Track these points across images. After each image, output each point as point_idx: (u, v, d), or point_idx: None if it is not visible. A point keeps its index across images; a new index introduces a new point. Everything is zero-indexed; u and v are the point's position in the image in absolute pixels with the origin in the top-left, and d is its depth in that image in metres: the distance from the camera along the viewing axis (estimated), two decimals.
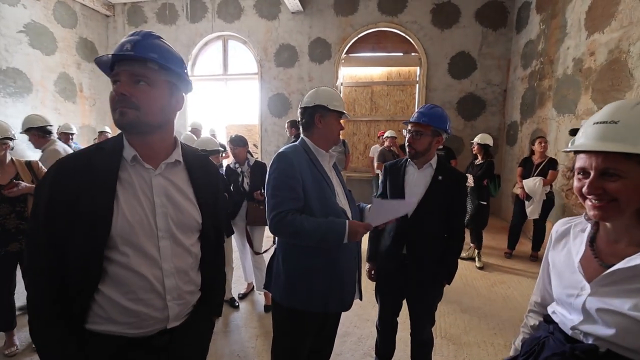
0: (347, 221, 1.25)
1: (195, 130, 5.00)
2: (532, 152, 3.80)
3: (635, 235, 0.71)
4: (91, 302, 0.82)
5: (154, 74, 0.82)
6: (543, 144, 3.66)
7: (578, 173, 0.74)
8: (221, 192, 1.12)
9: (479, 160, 3.77)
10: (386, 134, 4.82)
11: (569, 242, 0.84)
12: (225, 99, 6.92)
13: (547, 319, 0.86)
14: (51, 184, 0.80)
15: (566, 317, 0.78)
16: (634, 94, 2.87)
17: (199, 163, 1.00)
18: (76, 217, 0.79)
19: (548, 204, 3.66)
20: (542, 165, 3.63)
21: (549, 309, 0.87)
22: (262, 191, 2.51)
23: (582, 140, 0.72)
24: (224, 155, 4.70)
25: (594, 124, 0.71)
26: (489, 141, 3.74)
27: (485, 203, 3.67)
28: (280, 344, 1.41)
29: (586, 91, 3.55)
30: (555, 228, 0.90)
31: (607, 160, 0.67)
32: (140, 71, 0.80)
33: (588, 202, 0.72)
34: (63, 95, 5.90)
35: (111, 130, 5.23)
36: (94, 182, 0.81)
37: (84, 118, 6.36)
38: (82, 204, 0.79)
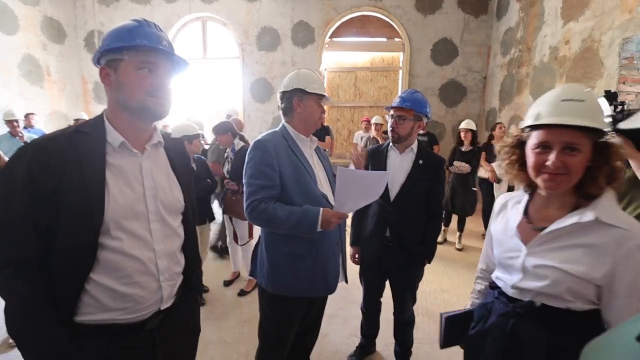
0: (320, 210, 1.21)
1: (231, 118, 4.23)
2: (492, 137, 3.98)
3: (564, 201, 0.81)
4: (81, 293, 0.79)
5: (175, 71, 0.94)
6: (503, 129, 3.87)
7: (536, 148, 0.78)
8: (194, 174, 1.14)
9: (466, 147, 3.77)
10: (373, 120, 4.77)
11: (507, 213, 0.95)
12: (205, 85, 6.68)
13: (492, 285, 0.96)
14: (30, 165, 0.75)
15: (507, 279, 0.88)
16: (604, 82, 2.99)
17: (174, 145, 1.04)
18: (62, 204, 0.75)
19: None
20: None
21: (493, 276, 0.96)
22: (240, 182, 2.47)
23: (550, 116, 0.75)
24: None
25: (562, 101, 0.75)
26: (474, 126, 3.85)
27: (475, 189, 3.75)
28: (267, 329, 1.43)
29: (561, 79, 3.68)
30: (496, 203, 1.01)
31: (572, 135, 0.73)
32: (170, 67, 0.91)
33: (544, 176, 0.78)
34: (28, 78, 5.52)
35: (88, 118, 4.95)
36: (82, 167, 0.78)
37: (53, 103, 5.99)
38: (70, 190, 0.75)
